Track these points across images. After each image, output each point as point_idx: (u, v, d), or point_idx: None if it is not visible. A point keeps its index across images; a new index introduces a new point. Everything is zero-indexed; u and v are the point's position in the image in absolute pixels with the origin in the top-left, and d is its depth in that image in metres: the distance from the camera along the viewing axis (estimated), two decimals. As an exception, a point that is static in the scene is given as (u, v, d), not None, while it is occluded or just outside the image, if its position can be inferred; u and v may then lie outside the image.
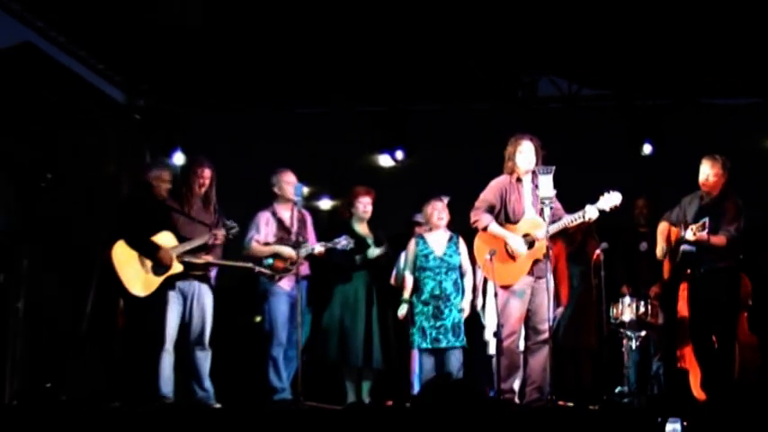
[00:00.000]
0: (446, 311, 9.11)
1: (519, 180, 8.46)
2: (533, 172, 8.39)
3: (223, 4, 10.19)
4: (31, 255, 8.48)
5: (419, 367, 9.44)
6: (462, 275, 9.32)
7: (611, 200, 8.20)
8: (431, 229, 9.44)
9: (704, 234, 8.44)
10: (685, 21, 10.22)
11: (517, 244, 8.24)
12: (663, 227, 9.11)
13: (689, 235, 8.50)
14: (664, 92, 11.80)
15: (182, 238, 8.60)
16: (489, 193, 8.47)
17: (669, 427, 6.26)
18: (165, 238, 8.48)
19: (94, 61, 11.49)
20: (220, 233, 8.68)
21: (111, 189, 11.61)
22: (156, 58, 11.47)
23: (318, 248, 9.16)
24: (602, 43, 10.83)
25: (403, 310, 9.23)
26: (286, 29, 10.54)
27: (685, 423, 6.29)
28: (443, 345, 9.06)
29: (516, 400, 8.47)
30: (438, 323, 9.08)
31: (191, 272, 8.65)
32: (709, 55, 10.93)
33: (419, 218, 10.03)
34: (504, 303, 8.26)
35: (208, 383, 8.73)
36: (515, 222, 8.37)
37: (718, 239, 8.56)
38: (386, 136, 11.96)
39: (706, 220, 8.48)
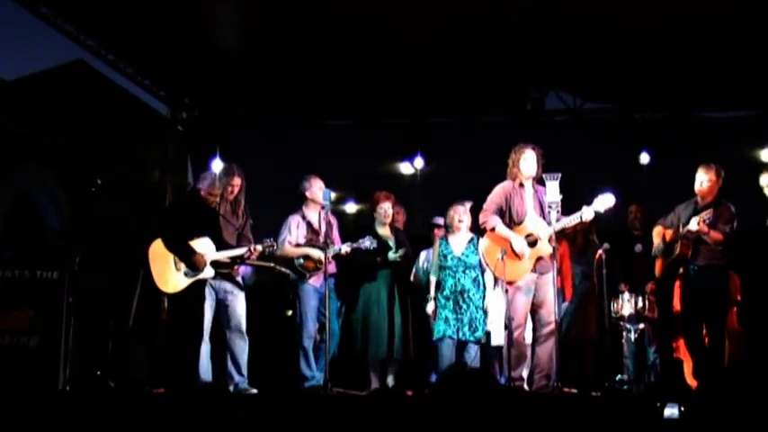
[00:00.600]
0: (464, 306, 9.16)
1: (521, 185, 8.54)
2: (537, 178, 8.47)
3: (259, 25, 10.27)
4: (82, 254, 8.51)
5: (438, 357, 9.46)
6: (483, 271, 9.33)
7: (605, 201, 8.27)
8: (452, 232, 9.49)
9: (705, 227, 8.47)
10: (682, 39, 10.25)
11: (521, 246, 8.31)
12: (658, 229, 9.14)
13: (692, 225, 8.50)
14: (662, 105, 11.82)
15: (216, 240, 8.62)
16: (495, 197, 8.56)
17: (667, 411, 6.27)
18: (203, 244, 8.51)
19: (141, 78, 11.59)
20: (257, 248, 8.70)
21: (156, 194, 11.71)
22: (196, 75, 11.58)
23: (345, 248, 9.19)
24: (604, 61, 10.88)
25: (431, 307, 9.26)
26: (316, 49, 10.62)
27: (682, 408, 6.31)
28: (461, 337, 9.10)
29: (525, 386, 8.50)
30: (458, 316, 9.13)
31: (219, 269, 8.69)
32: (704, 71, 10.95)
33: (438, 221, 10.08)
34: (512, 299, 8.32)
35: (245, 370, 8.77)
36: (519, 224, 8.44)
37: (717, 234, 8.56)
38: (407, 145, 12.01)
39: (711, 209, 8.51)
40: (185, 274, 8.41)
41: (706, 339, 8.77)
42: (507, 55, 10.84)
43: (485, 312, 9.26)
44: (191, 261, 8.40)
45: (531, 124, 12.00)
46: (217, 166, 11.75)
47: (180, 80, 11.90)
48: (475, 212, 9.04)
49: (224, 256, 8.58)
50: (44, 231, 10.77)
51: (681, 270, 8.89)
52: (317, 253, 9.15)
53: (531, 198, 8.53)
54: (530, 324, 8.62)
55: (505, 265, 8.24)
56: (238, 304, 8.78)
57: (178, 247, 8.42)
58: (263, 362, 9.31)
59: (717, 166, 8.88)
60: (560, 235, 8.58)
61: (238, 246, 8.73)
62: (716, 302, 8.75)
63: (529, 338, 8.67)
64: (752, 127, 11.82)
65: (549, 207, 8.16)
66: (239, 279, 8.92)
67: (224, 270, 8.72)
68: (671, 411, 6.26)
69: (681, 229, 8.72)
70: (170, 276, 8.41)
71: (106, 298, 10.21)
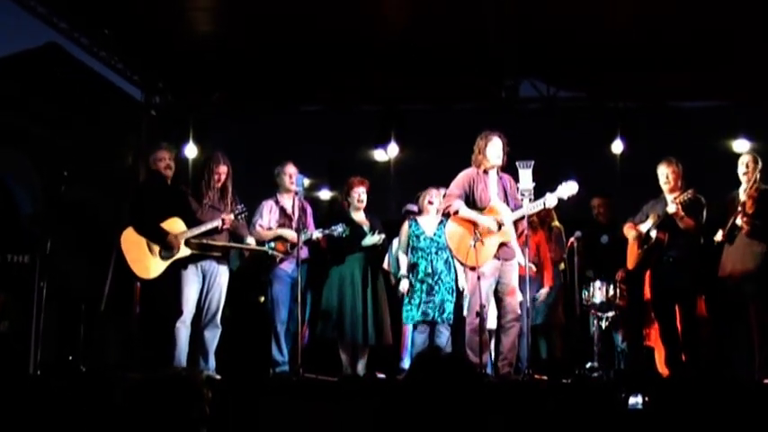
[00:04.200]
0: (436, 288, 9.14)
1: (486, 172, 8.54)
2: (503, 167, 8.50)
3: (233, 10, 10.26)
4: (54, 238, 8.47)
5: (411, 342, 9.47)
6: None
7: (568, 189, 8.31)
8: (422, 213, 9.49)
9: (681, 210, 8.52)
10: (655, 29, 10.30)
11: (488, 222, 8.32)
12: (628, 225, 9.17)
13: (671, 208, 8.56)
14: (635, 95, 11.86)
15: (197, 224, 8.60)
16: (458, 182, 8.58)
17: (632, 400, 6.32)
18: (174, 224, 8.50)
19: (114, 61, 11.52)
20: (229, 217, 8.66)
21: (129, 179, 11.67)
22: (170, 59, 11.54)
23: (317, 234, 9.19)
24: (578, 50, 10.91)
25: (405, 286, 9.23)
26: (291, 35, 10.61)
27: (647, 398, 6.35)
28: (430, 318, 9.08)
29: (490, 372, 8.54)
30: (428, 299, 9.10)
31: (211, 252, 8.67)
32: (678, 61, 11.01)
33: (412, 208, 10.06)
34: (475, 285, 8.31)
35: (212, 359, 8.71)
36: (482, 209, 8.44)
37: (689, 221, 8.61)
38: (380, 132, 11.99)
39: (693, 189, 8.57)
40: (162, 257, 8.41)
41: (679, 328, 8.82)
42: (482, 43, 10.86)
43: (459, 293, 9.26)
44: (164, 242, 8.39)
45: (504, 112, 12.02)
46: (190, 151, 11.76)
47: (154, 64, 11.87)
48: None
49: (197, 232, 8.55)
50: (17, 215, 10.70)
51: (653, 259, 8.92)
52: (289, 233, 9.17)
53: (496, 185, 8.53)
54: (493, 311, 8.65)
55: (468, 251, 8.23)
56: (222, 290, 8.74)
57: (149, 229, 8.41)
58: (234, 347, 9.31)
59: (675, 159, 8.96)
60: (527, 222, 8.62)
61: (223, 230, 8.71)
62: (689, 294, 8.83)
63: (491, 325, 8.71)
64: (724, 117, 11.88)
65: (522, 195, 8.20)
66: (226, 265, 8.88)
67: (217, 253, 8.70)
68: (635, 401, 6.31)
69: (658, 216, 8.77)
70: (147, 262, 8.39)
71: (78, 282, 10.16)
